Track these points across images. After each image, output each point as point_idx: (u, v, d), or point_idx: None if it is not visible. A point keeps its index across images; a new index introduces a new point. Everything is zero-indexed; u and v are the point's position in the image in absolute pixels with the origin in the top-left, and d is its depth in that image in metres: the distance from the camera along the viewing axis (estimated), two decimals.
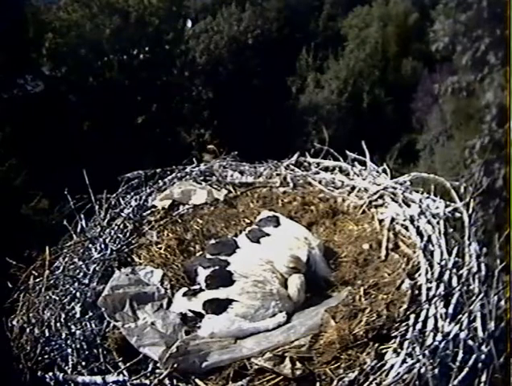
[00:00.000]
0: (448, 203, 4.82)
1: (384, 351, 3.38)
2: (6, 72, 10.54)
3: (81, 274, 4.35)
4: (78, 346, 3.66)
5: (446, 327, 3.43)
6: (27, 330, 3.83)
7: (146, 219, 5.22)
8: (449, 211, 4.70)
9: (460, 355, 3.27)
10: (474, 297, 3.63)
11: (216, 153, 6.73)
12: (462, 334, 3.38)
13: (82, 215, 5.04)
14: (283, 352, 3.45)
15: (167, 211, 5.34)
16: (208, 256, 4.49)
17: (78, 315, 3.93)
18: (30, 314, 3.93)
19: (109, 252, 4.60)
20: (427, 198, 4.98)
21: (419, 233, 4.49)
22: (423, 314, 3.59)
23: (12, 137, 8.79)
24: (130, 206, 5.39)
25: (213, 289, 4.01)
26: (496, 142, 9.35)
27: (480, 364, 3.27)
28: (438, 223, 4.54)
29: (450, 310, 3.59)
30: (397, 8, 15.74)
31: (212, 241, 4.75)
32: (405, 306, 3.68)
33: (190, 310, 3.88)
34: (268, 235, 4.65)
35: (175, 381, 3.34)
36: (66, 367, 3.56)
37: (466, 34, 9.63)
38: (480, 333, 3.45)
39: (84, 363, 3.55)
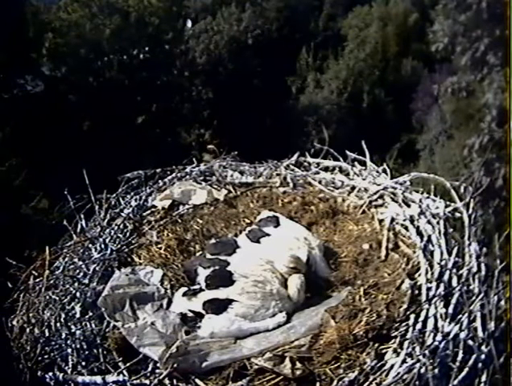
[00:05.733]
0: (448, 203, 4.81)
1: (384, 351, 3.37)
2: (6, 72, 10.55)
3: (81, 274, 4.34)
4: (78, 346, 3.65)
5: (446, 327, 3.43)
6: (27, 330, 3.82)
7: (146, 219, 5.21)
8: (449, 211, 4.69)
9: (460, 355, 3.26)
10: (474, 297, 3.62)
11: (216, 153, 6.71)
12: (462, 334, 3.37)
13: (82, 215, 5.03)
14: (283, 352, 3.44)
15: (167, 211, 5.33)
16: (208, 256, 4.48)
17: (78, 315, 3.92)
18: (30, 314, 3.92)
19: (109, 252, 4.60)
20: (427, 198, 4.97)
21: (419, 233, 4.48)
22: (423, 314, 3.58)
23: (12, 137, 8.78)
24: (130, 206, 5.39)
25: (213, 289, 4.00)
26: (496, 142, 9.33)
27: (480, 364, 3.26)
28: (438, 223, 4.53)
29: (450, 310, 3.58)
30: (397, 8, 15.75)
31: (212, 241, 4.75)
32: (405, 306, 3.67)
33: (190, 310, 3.87)
34: (268, 235, 4.64)
35: (175, 381, 3.33)
36: (66, 367, 3.55)
37: (466, 35, 9.62)
38: (480, 333, 3.44)
39: (84, 363, 3.54)
